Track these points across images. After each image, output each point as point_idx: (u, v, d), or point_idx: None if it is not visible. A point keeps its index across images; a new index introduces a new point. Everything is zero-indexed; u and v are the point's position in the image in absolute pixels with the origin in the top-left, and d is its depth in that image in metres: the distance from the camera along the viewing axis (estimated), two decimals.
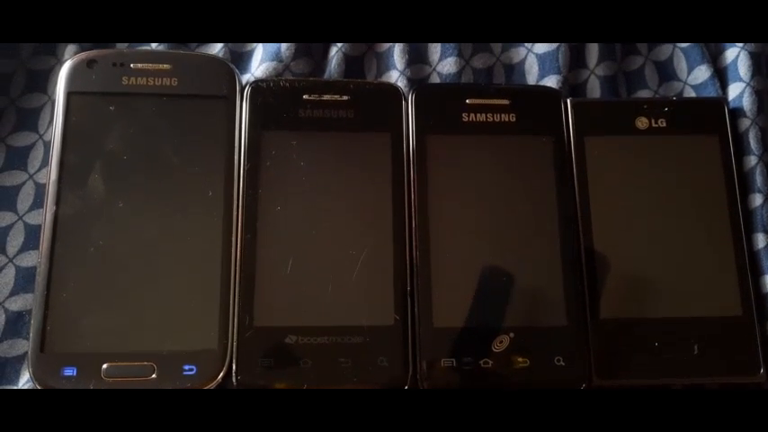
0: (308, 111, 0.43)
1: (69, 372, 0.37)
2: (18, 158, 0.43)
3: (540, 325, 0.41)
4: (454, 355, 0.40)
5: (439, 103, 0.44)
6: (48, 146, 0.43)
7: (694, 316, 0.41)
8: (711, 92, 0.46)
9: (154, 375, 0.38)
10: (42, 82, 0.44)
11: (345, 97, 0.43)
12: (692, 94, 0.47)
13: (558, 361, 0.40)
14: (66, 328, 0.38)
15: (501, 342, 0.40)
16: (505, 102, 0.44)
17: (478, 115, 0.43)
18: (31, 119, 0.44)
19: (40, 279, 0.39)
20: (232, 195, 0.41)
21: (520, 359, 0.40)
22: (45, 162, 0.43)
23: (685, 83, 0.47)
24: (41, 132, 0.43)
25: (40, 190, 0.42)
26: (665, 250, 0.42)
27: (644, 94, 0.47)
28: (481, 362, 0.40)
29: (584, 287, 0.41)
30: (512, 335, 0.40)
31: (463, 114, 0.43)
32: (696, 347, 0.41)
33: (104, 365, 0.38)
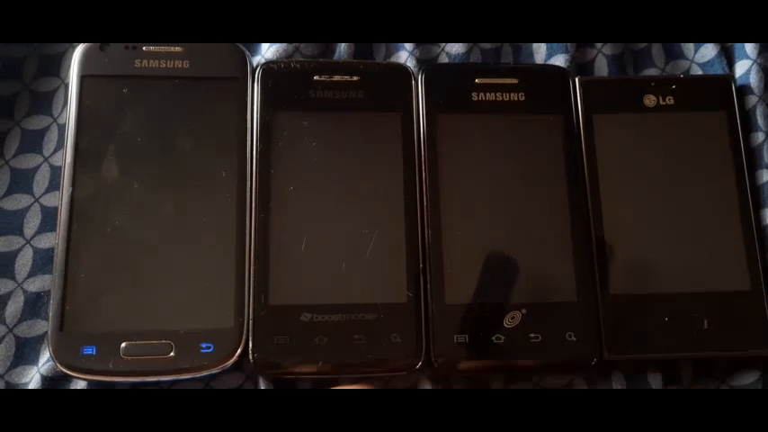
0: (318, 92, 0.43)
1: (89, 350, 0.38)
2: (33, 142, 0.43)
3: (551, 301, 0.41)
4: (467, 331, 0.40)
5: (448, 82, 0.44)
6: (62, 129, 0.43)
7: (703, 291, 0.42)
8: (718, 69, 0.46)
9: (172, 353, 0.38)
10: (55, 66, 0.45)
11: (356, 78, 0.43)
12: (699, 72, 0.47)
13: (570, 336, 0.41)
14: (85, 307, 0.39)
15: (513, 318, 0.41)
16: (514, 81, 0.44)
17: (488, 94, 0.44)
18: (44, 102, 0.44)
19: (58, 260, 0.39)
20: (245, 176, 0.41)
21: (532, 335, 0.40)
22: (60, 145, 0.43)
23: (692, 61, 0.48)
24: (55, 116, 0.44)
25: (56, 172, 0.42)
26: (673, 226, 0.43)
27: (651, 72, 0.48)
28: (493, 338, 0.40)
29: (594, 263, 0.42)
30: (523, 311, 0.41)
31: (473, 94, 0.44)
32: (706, 322, 0.41)
33: (123, 344, 0.38)
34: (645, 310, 0.41)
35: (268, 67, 0.43)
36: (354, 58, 0.46)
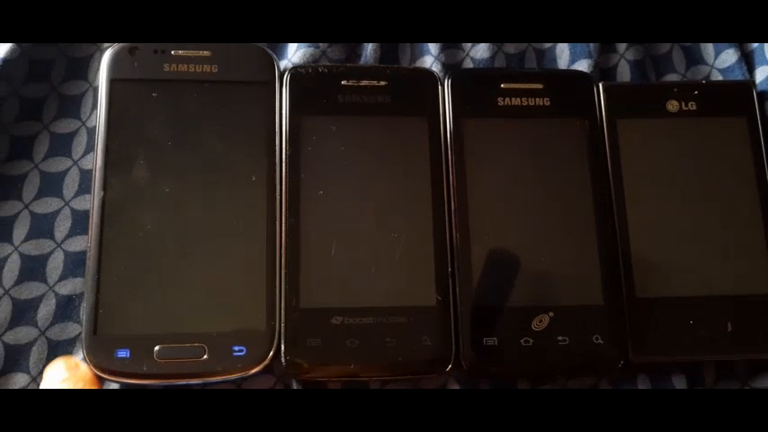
0: (346, 96, 0.43)
1: (123, 353, 0.38)
2: (62, 145, 0.43)
3: (577, 304, 0.42)
4: (495, 333, 0.41)
5: (474, 87, 0.45)
6: (91, 132, 0.43)
7: (727, 294, 0.42)
8: (738, 75, 0.47)
9: (205, 356, 0.39)
10: (83, 69, 0.45)
11: (383, 83, 0.44)
12: (720, 78, 0.48)
13: (597, 339, 0.41)
14: (118, 311, 0.39)
15: (541, 321, 0.41)
16: (539, 86, 0.45)
17: (513, 99, 0.44)
18: (73, 106, 0.44)
19: (91, 263, 0.39)
20: (275, 180, 0.42)
21: (559, 338, 0.41)
22: (89, 148, 0.43)
23: (712, 66, 0.48)
24: (84, 119, 0.44)
25: (85, 176, 0.43)
26: (696, 230, 0.43)
27: (672, 77, 0.48)
28: (522, 340, 0.41)
29: (619, 266, 0.42)
30: (551, 314, 0.41)
31: (498, 98, 0.44)
32: (729, 325, 0.42)
33: (157, 347, 0.38)
34: (670, 312, 0.42)
35: (296, 71, 0.44)
36: (380, 62, 0.46)
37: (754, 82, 0.46)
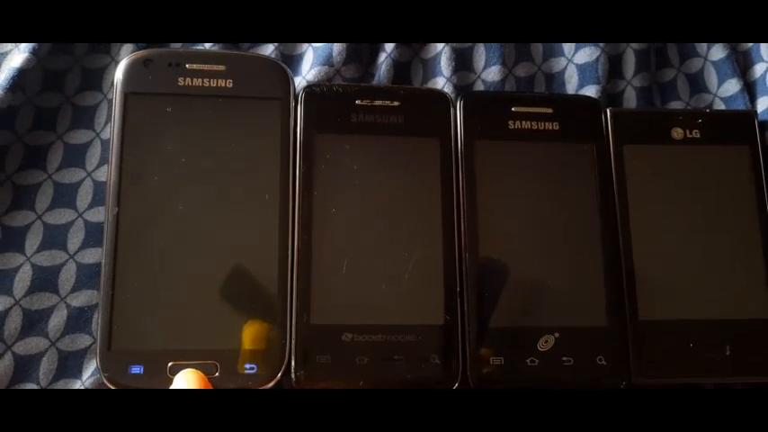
0: (360, 115, 0.44)
1: (136, 370, 0.38)
2: (76, 156, 0.43)
3: (582, 325, 0.43)
4: (502, 353, 0.42)
5: (486, 110, 0.45)
6: (105, 144, 0.43)
7: (727, 318, 0.44)
8: (741, 104, 0.48)
9: (217, 374, 0.39)
10: (97, 80, 0.45)
11: (396, 103, 0.44)
12: (722, 107, 0.49)
13: (600, 360, 0.42)
14: (132, 327, 0.39)
15: (546, 342, 0.42)
16: (549, 110, 0.45)
17: (524, 123, 0.45)
18: (87, 116, 0.44)
19: (105, 279, 0.39)
20: (288, 197, 0.42)
21: (564, 358, 0.42)
22: (103, 160, 0.43)
23: (715, 95, 0.50)
24: (98, 130, 0.44)
25: (99, 187, 0.43)
26: (699, 255, 0.44)
27: (676, 105, 0.50)
28: (528, 360, 0.42)
29: (623, 289, 0.43)
30: (556, 335, 0.42)
31: (509, 122, 0.45)
32: (728, 348, 0.43)
33: (169, 364, 0.39)
34: (671, 335, 0.43)
35: (311, 89, 0.44)
36: (393, 82, 0.47)
37: (755, 112, 0.47)
